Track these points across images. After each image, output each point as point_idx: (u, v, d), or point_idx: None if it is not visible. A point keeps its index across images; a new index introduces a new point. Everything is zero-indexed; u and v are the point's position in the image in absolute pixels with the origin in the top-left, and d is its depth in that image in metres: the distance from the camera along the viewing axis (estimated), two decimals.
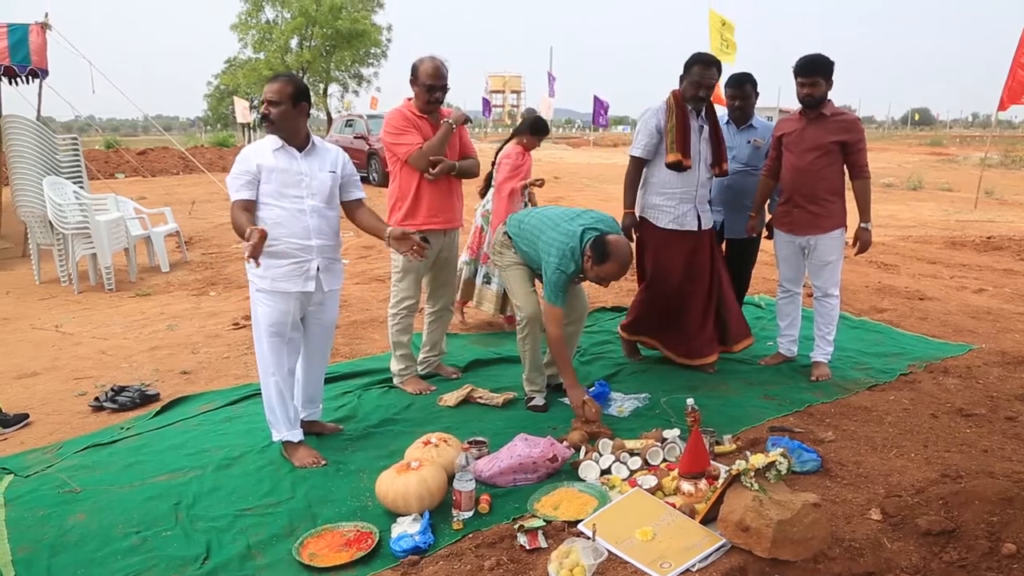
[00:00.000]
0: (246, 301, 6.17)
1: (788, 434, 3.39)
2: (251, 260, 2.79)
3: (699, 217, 4.21)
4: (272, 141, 3.10)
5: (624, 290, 6.50)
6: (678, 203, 4.16)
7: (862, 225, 4.09)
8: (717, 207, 4.66)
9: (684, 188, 4.14)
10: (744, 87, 4.53)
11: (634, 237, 4.26)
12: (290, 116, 3.07)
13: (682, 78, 4.09)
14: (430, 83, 3.79)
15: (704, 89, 4.00)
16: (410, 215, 3.92)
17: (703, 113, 4.13)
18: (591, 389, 3.87)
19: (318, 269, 3.18)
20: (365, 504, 2.89)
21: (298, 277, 3.14)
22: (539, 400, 3.87)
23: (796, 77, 3.98)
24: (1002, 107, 12.00)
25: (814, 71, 3.92)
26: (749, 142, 4.59)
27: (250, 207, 3.07)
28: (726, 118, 4.68)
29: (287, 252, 3.10)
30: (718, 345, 4.40)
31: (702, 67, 3.98)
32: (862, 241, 4.12)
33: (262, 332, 3.18)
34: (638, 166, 4.22)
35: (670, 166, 4.06)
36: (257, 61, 38.17)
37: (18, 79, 8.34)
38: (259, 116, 3.12)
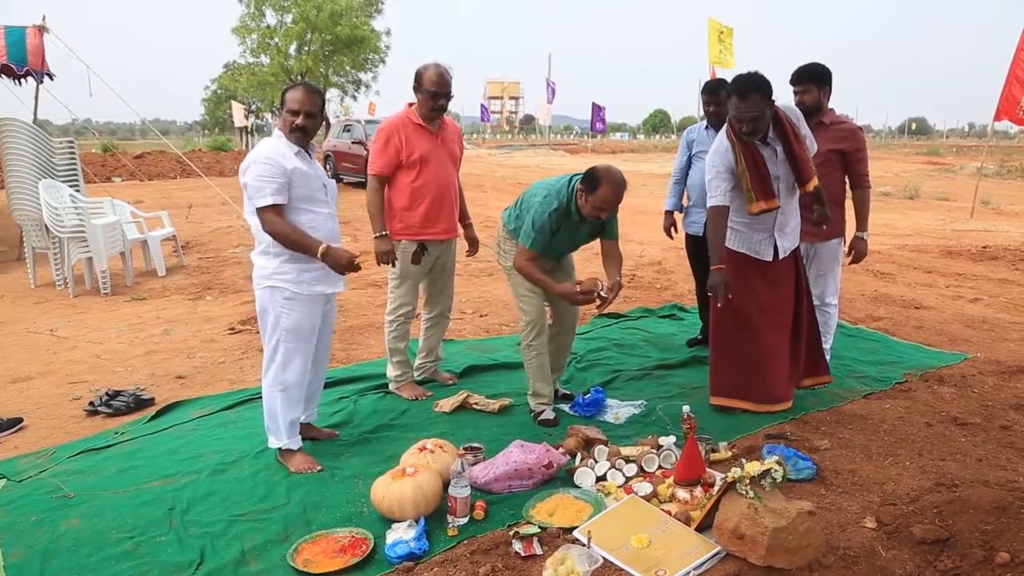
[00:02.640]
0: (242, 306, 6.17)
1: (784, 442, 3.39)
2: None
3: (776, 245, 3.72)
4: (288, 145, 3.06)
5: (621, 296, 6.50)
6: (752, 232, 3.73)
7: (858, 234, 4.11)
8: (700, 209, 4.71)
9: (757, 218, 3.67)
10: (718, 94, 4.62)
11: (726, 297, 3.66)
12: (317, 127, 3.13)
13: None
14: (434, 90, 3.79)
15: (747, 124, 3.44)
16: (408, 225, 3.92)
17: (771, 134, 3.57)
18: (586, 396, 3.87)
19: None
20: (360, 510, 2.88)
21: (329, 278, 3.17)
22: (548, 413, 3.76)
23: (791, 87, 4.06)
24: (998, 117, 12.07)
25: (801, 78, 3.99)
26: None
27: (282, 213, 3.02)
28: (705, 124, 4.76)
29: None
30: (794, 387, 3.91)
31: (736, 100, 3.43)
32: (857, 250, 4.13)
33: (292, 339, 3.13)
34: (722, 214, 3.65)
35: (758, 215, 3.61)
36: (258, 66, 38.19)
37: (19, 79, 8.36)
38: (291, 127, 3.08)
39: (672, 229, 5.12)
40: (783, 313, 3.80)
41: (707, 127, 4.75)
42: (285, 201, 3.00)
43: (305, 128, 3.05)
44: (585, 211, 3.46)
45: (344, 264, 3.05)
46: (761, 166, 3.56)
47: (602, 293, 3.50)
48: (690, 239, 4.96)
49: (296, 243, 3.00)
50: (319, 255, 3.00)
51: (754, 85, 3.42)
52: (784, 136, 3.56)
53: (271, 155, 2.98)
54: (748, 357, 3.79)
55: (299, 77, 35.01)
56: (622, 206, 3.60)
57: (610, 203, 3.42)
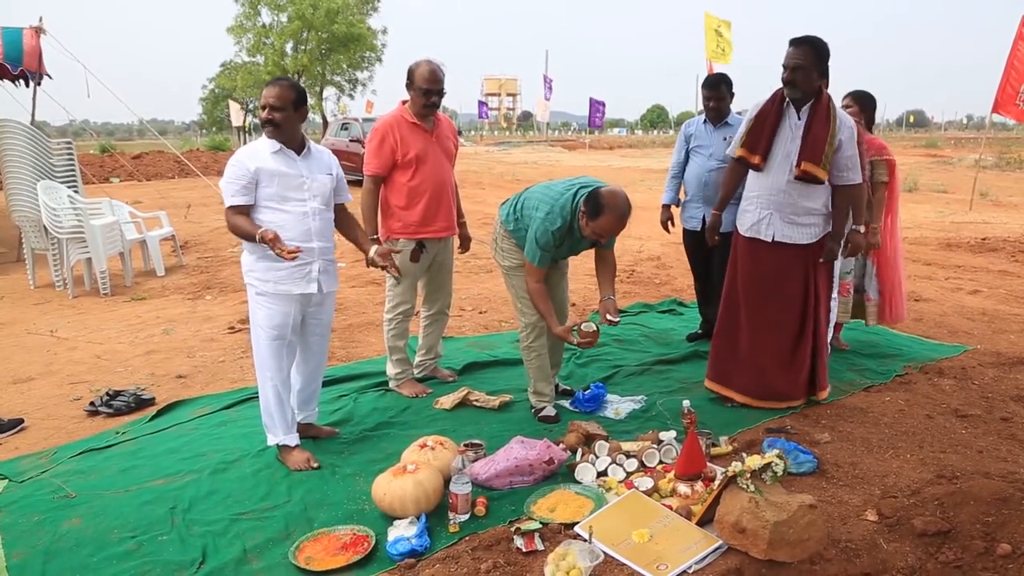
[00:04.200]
0: (242, 305, 6.16)
1: (784, 435, 3.39)
2: (289, 255, 2.88)
3: (776, 227, 3.69)
4: (269, 144, 3.09)
5: (620, 292, 6.51)
6: (757, 208, 3.74)
7: (854, 228, 4.11)
8: (697, 204, 4.75)
9: (759, 192, 3.72)
10: (719, 88, 4.69)
11: (715, 240, 4.16)
12: (292, 121, 3.07)
13: None
14: (426, 87, 3.77)
15: (789, 71, 3.52)
16: (406, 224, 3.91)
17: (808, 107, 3.59)
18: (587, 391, 3.87)
19: (319, 271, 3.19)
20: (361, 507, 2.88)
21: (300, 279, 3.15)
22: (550, 410, 3.76)
23: None
24: (996, 109, 12.06)
25: None
26: (725, 139, 4.67)
27: (246, 212, 3.07)
28: (703, 118, 4.78)
29: None
30: (805, 390, 3.84)
31: (790, 48, 3.54)
32: (853, 243, 4.13)
33: (263, 335, 3.17)
34: (733, 166, 3.92)
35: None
36: (254, 65, 38.21)
37: (15, 81, 8.36)
38: (261, 121, 3.12)
39: (669, 223, 5.10)
40: (789, 310, 3.77)
41: (705, 121, 4.76)
42: (249, 202, 3.06)
43: (272, 120, 3.04)
44: (585, 232, 3.41)
45: (279, 248, 2.88)
46: (769, 125, 3.62)
47: (609, 317, 3.57)
48: (688, 234, 4.95)
49: (244, 233, 3.02)
50: (257, 240, 2.93)
51: (810, 40, 3.53)
52: (815, 111, 3.56)
53: (240, 156, 3.07)
54: (749, 350, 3.81)
55: (296, 75, 34.99)
56: None
57: (611, 232, 3.37)
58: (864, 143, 4.06)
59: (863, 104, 4.32)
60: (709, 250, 4.58)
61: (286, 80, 3.14)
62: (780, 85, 3.65)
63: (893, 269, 4.70)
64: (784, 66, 3.54)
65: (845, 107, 4.20)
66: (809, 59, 3.50)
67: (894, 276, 4.71)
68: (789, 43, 3.57)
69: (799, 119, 3.60)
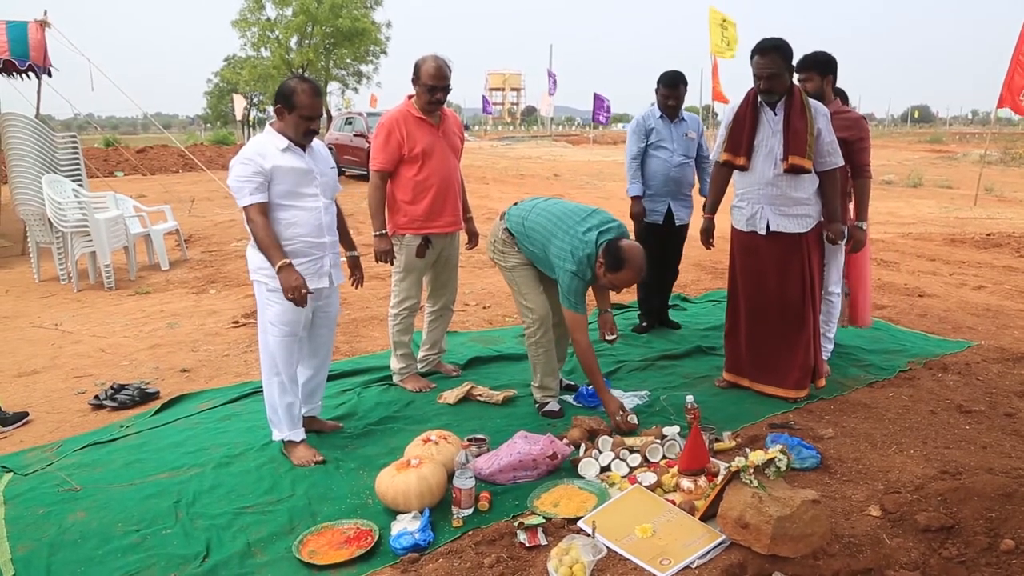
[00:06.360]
0: (246, 299, 6.18)
1: (787, 431, 3.39)
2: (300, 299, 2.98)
3: (770, 219, 3.77)
4: (277, 141, 3.06)
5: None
6: (749, 203, 3.84)
7: (857, 224, 4.11)
8: (661, 198, 4.84)
9: (746, 188, 3.83)
10: (679, 88, 4.79)
11: (710, 243, 4.16)
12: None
13: None
14: (431, 83, 3.77)
15: (764, 80, 3.61)
16: (412, 219, 3.92)
17: (782, 102, 3.67)
18: (590, 386, 3.87)
19: (329, 265, 3.23)
20: (365, 502, 2.89)
21: (313, 274, 3.16)
22: (554, 405, 3.76)
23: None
24: (1001, 104, 12.01)
25: (803, 66, 4.04)
26: (685, 135, 4.85)
27: (266, 211, 3.03)
28: (658, 113, 4.85)
29: (303, 251, 3.11)
30: (810, 377, 3.89)
31: (758, 56, 3.62)
32: (856, 240, 4.14)
33: (274, 332, 3.15)
34: (718, 170, 3.99)
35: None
36: (259, 59, 38.17)
37: (21, 75, 8.37)
38: (306, 132, 3.07)
39: (643, 215, 4.95)
40: (789, 299, 3.81)
41: (661, 116, 4.84)
42: (265, 199, 3.03)
43: (316, 131, 3.12)
44: (601, 281, 3.47)
45: (289, 289, 2.94)
46: (748, 125, 3.72)
47: (609, 337, 3.80)
48: (646, 227, 4.90)
49: (264, 247, 3.00)
50: (276, 269, 2.97)
51: (775, 45, 3.61)
52: (790, 105, 3.66)
53: (250, 155, 3.01)
54: (753, 340, 3.91)
55: (300, 70, 34.94)
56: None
57: (628, 285, 3.50)
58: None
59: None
60: (664, 244, 4.92)
61: (317, 86, 3.15)
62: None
63: (860, 267, 4.54)
64: (758, 76, 3.64)
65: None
66: (779, 64, 3.59)
67: (861, 274, 4.56)
68: (755, 52, 3.65)
69: (775, 114, 3.70)
